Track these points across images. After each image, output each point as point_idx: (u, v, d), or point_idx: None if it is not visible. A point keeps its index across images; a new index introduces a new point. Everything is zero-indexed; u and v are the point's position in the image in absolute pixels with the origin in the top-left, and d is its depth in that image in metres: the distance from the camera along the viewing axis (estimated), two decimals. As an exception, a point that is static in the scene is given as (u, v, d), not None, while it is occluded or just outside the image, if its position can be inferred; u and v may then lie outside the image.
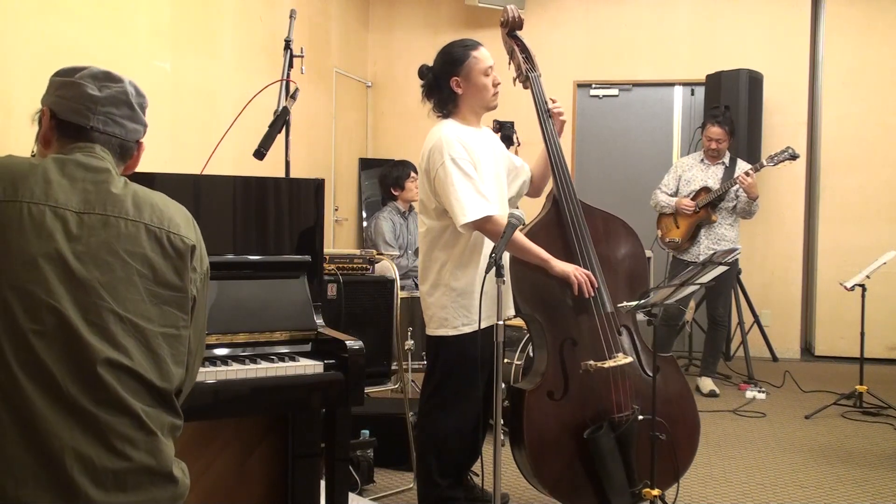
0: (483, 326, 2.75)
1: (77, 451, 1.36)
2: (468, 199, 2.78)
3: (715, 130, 5.24)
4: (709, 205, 5.18)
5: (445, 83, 2.95)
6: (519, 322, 3.16)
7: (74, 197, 1.47)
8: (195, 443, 2.36)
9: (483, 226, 2.81)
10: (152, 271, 1.50)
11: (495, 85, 2.96)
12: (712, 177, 5.27)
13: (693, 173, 5.33)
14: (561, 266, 2.88)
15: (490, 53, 2.99)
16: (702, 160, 5.36)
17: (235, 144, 3.27)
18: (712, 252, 3.74)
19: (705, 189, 5.22)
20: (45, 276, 1.40)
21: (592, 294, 2.91)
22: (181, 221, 1.59)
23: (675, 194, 5.37)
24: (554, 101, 3.13)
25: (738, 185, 5.04)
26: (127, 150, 1.62)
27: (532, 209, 3.07)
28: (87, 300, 1.42)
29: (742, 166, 5.23)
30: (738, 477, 3.71)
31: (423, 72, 3.05)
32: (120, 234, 1.48)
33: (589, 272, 2.91)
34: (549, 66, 6.85)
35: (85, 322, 1.41)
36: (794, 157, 4.99)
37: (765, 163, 5.07)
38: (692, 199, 5.25)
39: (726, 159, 5.32)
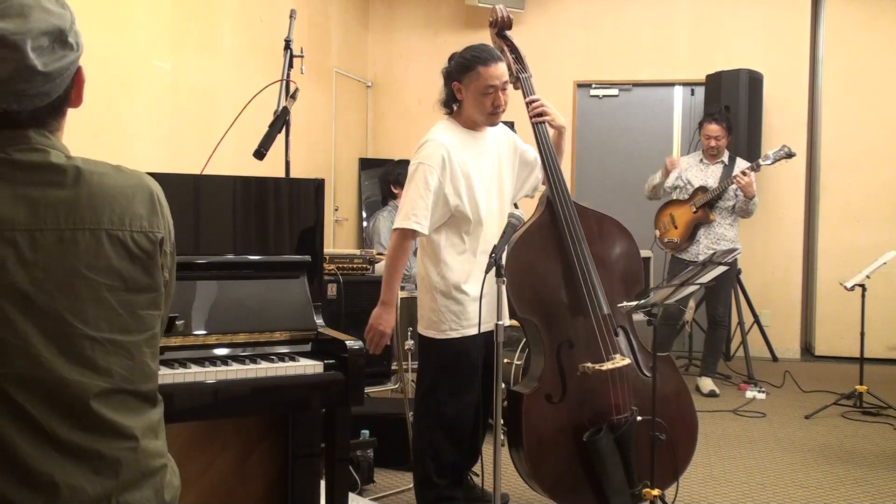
0: (480, 331, 2.74)
1: (68, 483, 1.28)
2: (413, 207, 2.79)
3: (713, 128, 5.25)
4: (706, 204, 5.19)
5: (449, 84, 2.94)
6: (515, 322, 3.15)
7: (21, 210, 1.25)
8: (195, 443, 2.36)
9: (404, 238, 2.82)
10: (122, 280, 1.34)
11: (495, 105, 2.88)
12: (711, 176, 5.27)
13: (692, 173, 5.34)
14: (378, 313, 2.85)
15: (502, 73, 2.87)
16: (701, 160, 5.36)
17: (235, 144, 3.27)
18: (712, 252, 3.74)
19: (702, 189, 5.22)
20: (5, 315, 1.24)
21: (376, 353, 2.87)
22: (144, 210, 1.38)
23: (671, 189, 5.37)
24: (534, 102, 3.07)
25: (735, 185, 5.04)
26: (61, 103, 1.34)
27: (528, 210, 3.07)
28: (57, 330, 1.27)
29: (741, 165, 5.23)
30: (738, 477, 3.71)
31: (450, 59, 2.98)
32: (79, 251, 1.29)
33: (383, 330, 2.86)
34: (549, 66, 6.91)
35: (60, 356, 1.27)
36: (790, 155, 5.01)
37: (762, 162, 5.09)
38: (689, 199, 5.26)
39: (725, 158, 5.33)
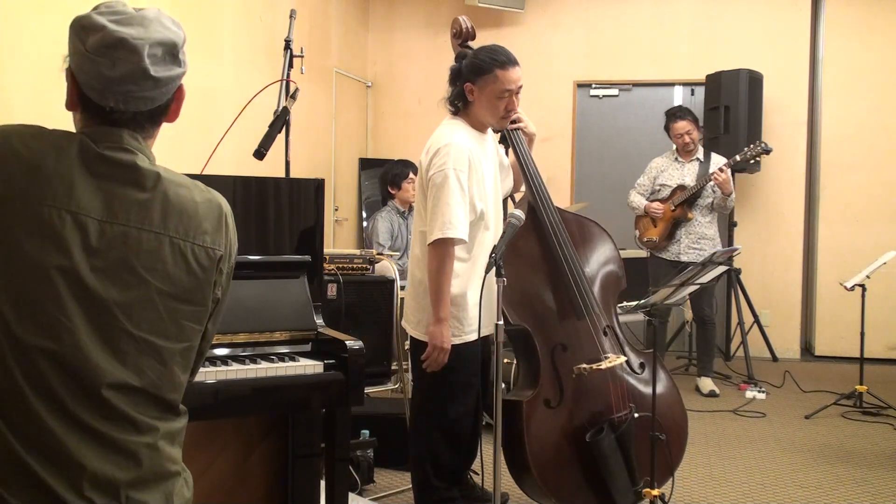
0: (478, 336, 2.73)
1: (83, 465, 1.32)
2: (457, 216, 2.72)
3: (681, 125, 5.26)
4: (685, 202, 5.19)
5: (461, 83, 2.88)
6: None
7: (97, 200, 1.34)
8: (195, 443, 2.35)
9: (448, 247, 2.73)
10: (173, 287, 1.40)
11: (508, 110, 2.85)
12: (688, 174, 5.28)
13: (669, 173, 5.34)
14: (435, 332, 2.76)
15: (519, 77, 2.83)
16: (676, 158, 5.37)
17: (235, 144, 3.27)
18: (712, 252, 3.74)
19: (680, 187, 5.23)
20: (57, 290, 1.30)
21: (436, 371, 2.80)
22: (210, 227, 1.45)
23: (651, 194, 5.38)
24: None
25: (712, 182, 5.06)
26: (160, 112, 1.45)
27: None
28: (101, 320, 1.33)
29: (717, 160, 5.27)
30: (738, 477, 3.71)
31: (458, 57, 2.94)
32: (140, 250, 1.36)
33: (445, 347, 2.77)
34: (549, 66, 6.92)
35: (97, 342, 1.33)
36: (766, 150, 5.06)
37: (738, 157, 5.13)
38: (668, 198, 5.27)
39: (700, 154, 5.33)
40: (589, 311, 2.96)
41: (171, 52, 1.41)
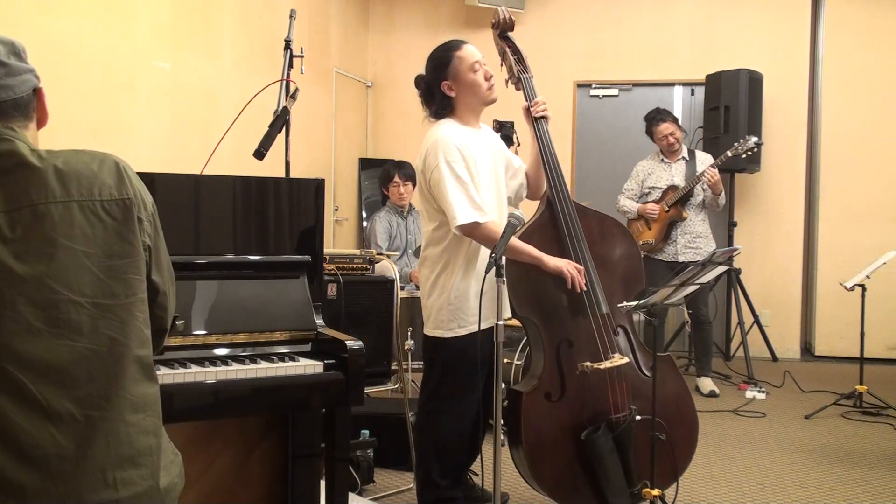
0: (483, 327, 2.75)
1: (60, 454, 1.33)
2: (459, 203, 2.78)
3: (664, 126, 5.28)
4: (678, 202, 5.19)
5: (437, 89, 2.94)
6: (516, 322, 3.15)
7: None
8: (195, 443, 2.36)
9: (472, 232, 2.81)
10: (98, 247, 1.42)
11: (487, 78, 2.94)
12: (676, 174, 5.29)
13: (657, 175, 5.34)
14: (554, 262, 2.88)
15: (478, 48, 2.96)
16: (661, 160, 5.37)
17: (235, 144, 3.27)
18: (712, 252, 3.73)
19: (672, 188, 5.24)
20: None
21: (584, 289, 2.91)
22: (111, 180, 1.47)
23: (639, 198, 5.38)
24: (537, 104, 3.11)
25: (704, 180, 5.07)
26: (24, 106, 1.47)
27: (529, 210, 3.07)
28: (42, 297, 1.36)
29: (702, 157, 5.30)
30: (738, 477, 3.71)
31: (418, 81, 3.04)
32: (54, 223, 1.39)
33: (581, 266, 2.91)
34: (549, 66, 6.90)
35: (47, 321, 1.35)
36: (757, 144, 5.14)
37: (729, 153, 5.17)
38: (660, 200, 5.27)
39: (685, 153, 5.35)
40: (595, 308, 2.96)
41: (15, 52, 1.47)
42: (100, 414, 1.38)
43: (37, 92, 1.50)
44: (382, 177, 5.34)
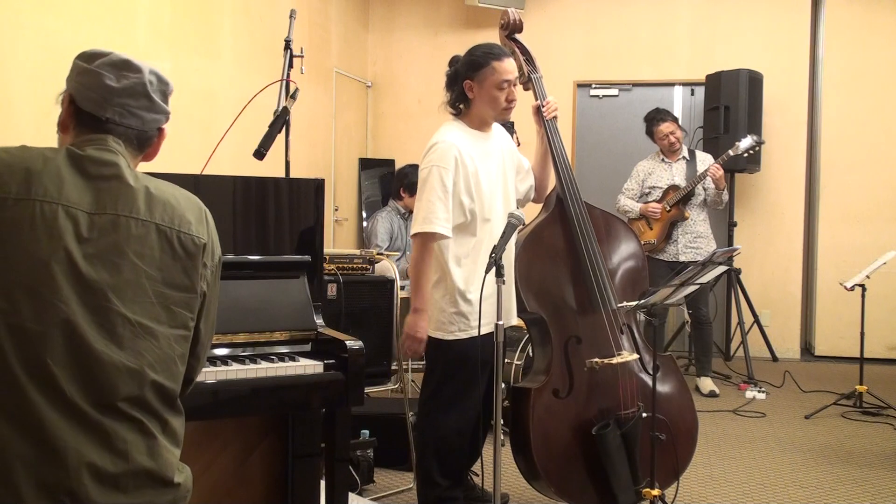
0: (483, 333, 2.74)
1: (79, 452, 1.35)
2: (430, 210, 2.77)
3: (665, 126, 5.28)
4: (679, 202, 5.20)
5: (460, 83, 2.93)
6: (519, 322, 3.16)
7: (87, 196, 1.44)
8: (195, 443, 2.36)
9: (425, 241, 2.79)
10: (161, 273, 1.48)
11: (508, 101, 2.91)
12: (677, 174, 5.29)
13: (657, 174, 5.34)
14: (412, 321, 2.83)
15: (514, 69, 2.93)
16: (662, 160, 5.38)
17: (235, 144, 3.27)
18: (713, 251, 3.73)
19: (673, 187, 5.24)
20: (54, 277, 1.38)
21: (414, 359, 2.89)
22: (193, 218, 1.56)
23: (639, 198, 5.38)
24: (548, 104, 3.13)
25: (708, 178, 5.09)
26: (146, 140, 1.59)
27: (530, 210, 3.07)
28: (95, 302, 1.40)
29: (702, 157, 5.32)
30: (738, 477, 3.71)
31: (453, 62, 3.01)
32: (130, 236, 1.45)
33: (420, 337, 2.84)
34: (549, 66, 6.85)
35: (92, 325, 1.39)
36: (759, 143, 5.20)
37: (731, 152, 5.19)
38: (662, 199, 5.27)
39: (685, 153, 5.35)
40: (607, 304, 2.98)
41: (163, 90, 1.60)
42: (114, 421, 1.40)
43: (160, 131, 1.62)
44: (408, 182, 5.17)
